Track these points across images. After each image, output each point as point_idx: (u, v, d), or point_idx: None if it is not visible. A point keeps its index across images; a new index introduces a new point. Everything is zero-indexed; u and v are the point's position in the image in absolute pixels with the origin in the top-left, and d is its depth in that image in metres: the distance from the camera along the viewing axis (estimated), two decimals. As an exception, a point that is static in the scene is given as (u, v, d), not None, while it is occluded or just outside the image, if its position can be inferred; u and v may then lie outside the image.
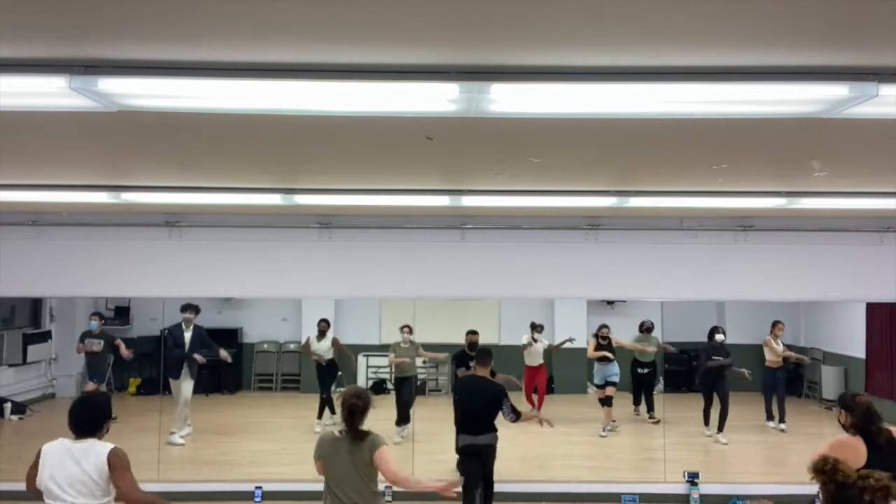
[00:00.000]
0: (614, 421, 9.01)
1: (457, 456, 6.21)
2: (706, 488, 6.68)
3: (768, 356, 9.12)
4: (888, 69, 2.28)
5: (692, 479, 6.78)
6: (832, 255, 6.68)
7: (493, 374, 5.92)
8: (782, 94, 2.47)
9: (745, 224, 6.69)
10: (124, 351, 8.68)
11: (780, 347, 9.14)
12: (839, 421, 4.19)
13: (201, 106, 2.63)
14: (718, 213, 6.40)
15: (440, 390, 11.55)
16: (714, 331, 8.84)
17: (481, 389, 5.70)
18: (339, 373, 9.26)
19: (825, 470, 2.48)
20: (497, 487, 6.23)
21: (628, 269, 6.71)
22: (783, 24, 1.94)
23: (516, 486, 6.33)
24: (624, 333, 9.64)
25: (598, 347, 9.18)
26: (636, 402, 9.67)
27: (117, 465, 3.27)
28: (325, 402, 8.94)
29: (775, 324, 9.22)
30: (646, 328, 9.53)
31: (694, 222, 6.71)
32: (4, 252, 6.56)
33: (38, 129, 3.22)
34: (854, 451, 3.78)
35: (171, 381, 8.31)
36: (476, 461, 5.72)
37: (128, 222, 6.59)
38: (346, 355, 9.32)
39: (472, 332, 8.06)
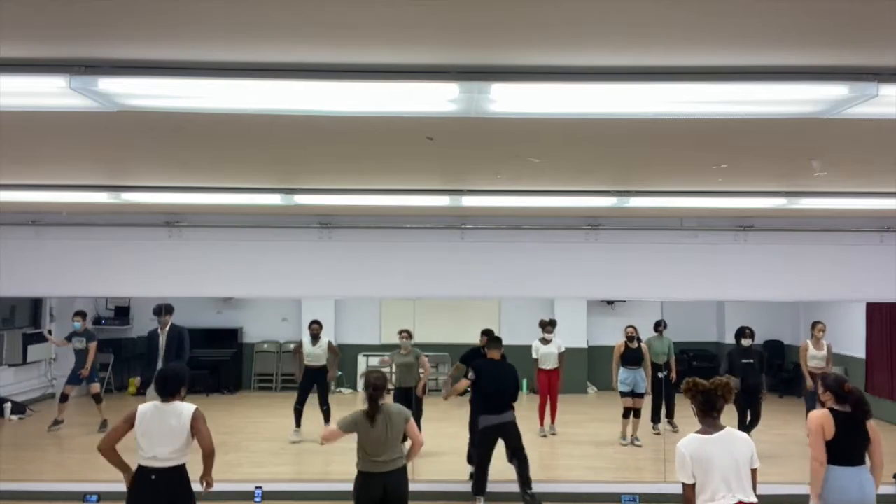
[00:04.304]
0: (638, 439, 8.57)
1: (466, 447, 6.32)
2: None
3: (808, 363, 8.04)
4: (888, 69, 2.28)
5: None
6: (832, 255, 6.68)
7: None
8: (782, 94, 2.47)
9: (745, 224, 6.69)
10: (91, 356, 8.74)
11: (823, 351, 8.03)
12: (819, 398, 4.66)
13: (201, 106, 2.63)
14: (718, 213, 6.40)
15: (440, 390, 11.55)
16: (741, 334, 8.08)
17: (503, 369, 6.22)
18: (338, 372, 9.06)
19: (690, 388, 3.79)
20: (497, 487, 6.26)
21: (628, 270, 6.70)
22: (783, 24, 1.94)
23: (517, 485, 6.33)
24: (623, 334, 9.60)
25: (627, 350, 8.65)
26: (658, 414, 8.95)
27: (198, 417, 4.26)
28: (299, 412, 8.53)
29: (814, 325, 8.15)
30: (659, 331, 9.07)
31: (694, 222, 6.71)
32: (4, 252, 6.57)
33: (38, 129, 3.22)
34: (830, 422, 4.46)
35: None
36: (494, 439, 6.10)
37: (128, 222, 6.59)
38: (336, 357, 8.98)
39: (487, 332, 7.67)
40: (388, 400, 4.77)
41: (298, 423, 8.54)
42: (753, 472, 3.72)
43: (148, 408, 4.27)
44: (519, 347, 9.69)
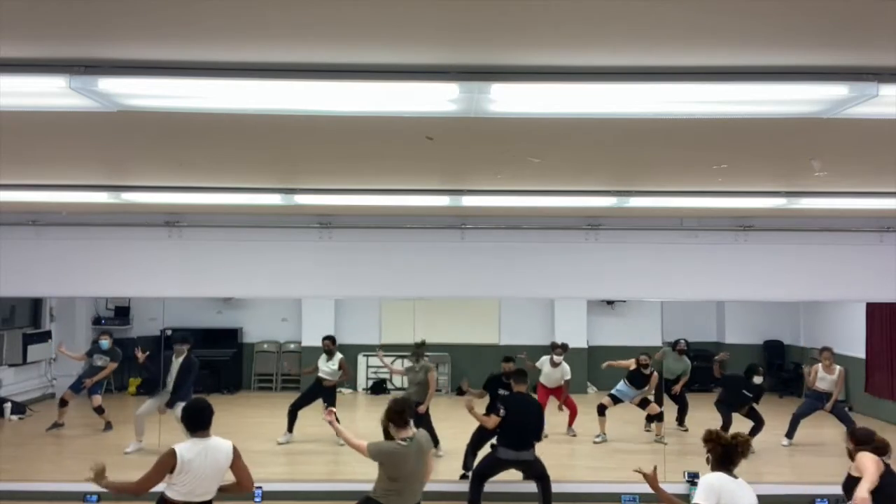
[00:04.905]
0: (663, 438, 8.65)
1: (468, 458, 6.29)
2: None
3: (817, 384, 8.39)
4: (888, 69, 2.28)
5: (692, 479, 6.78)
6: (832, 255, 6.68)
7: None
8: (782, 94, 2.47)
9: (745, 224, 6.69)
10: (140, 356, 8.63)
11: (833, 376, 8.29)
12: (848, 448, 4.55)
13: (201, 106, 2.63)
14: (718, 213, 6.40)
15: (440, 390, 11.56)
16: (754, 371, 8.27)
17: (530, 407, 6.16)
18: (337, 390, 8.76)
19: (712, 438, 3.73)
20: (497, 487, 6.26)
21: (628, 269, 6.70)
22: (783, 24, 1.94)
23: (516, 486, 6.33)
24: (623, 333, 9.58)
25: (637, 373, 8.65)
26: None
27: (239, 454, 4.13)
28: (293, 416, 8.49)
29: (822, 351, 8.48)
30: (679, 349, 9.11)
31: (694, 222, 6.71)
32: (4, 252, 6.57)
33: (38, 129, 3.22)
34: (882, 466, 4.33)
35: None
36: (504, 469, 6.05)
37: (128, 222, 6.59)
38: (346, 377, 8.87)
39: (508, 360, 7.66)
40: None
41: (291, 428, 8.50)
42: None
43: (190, 447, 4.00)
44: (518, 348, 9.70)
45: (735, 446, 3.69)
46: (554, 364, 8.92)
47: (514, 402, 6.15)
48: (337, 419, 5.01)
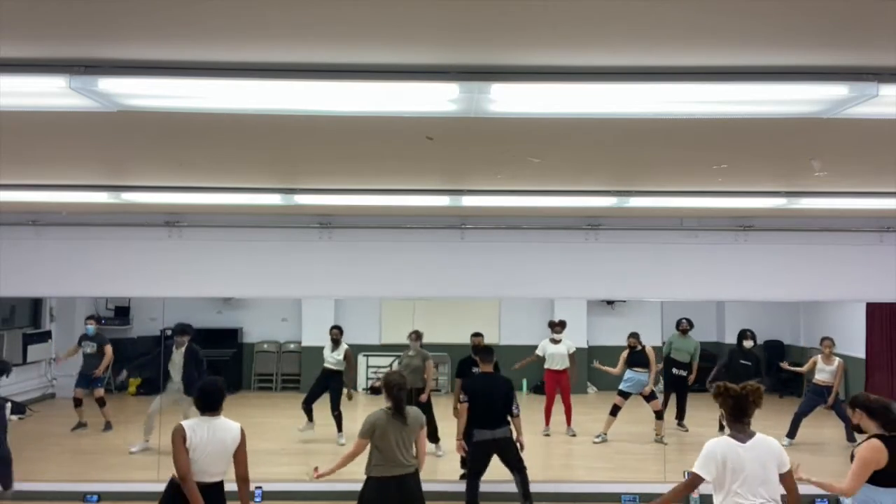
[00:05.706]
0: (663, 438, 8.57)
1: (458, 453, 6.29)
2: (706, 488, 6.67)
3: (816, 375, 8.46)
4: (888, 69, 2.28)
5: (692, 479, 6.77)
6: (832, 255, 6.68)
7: (496, 368, 6.27)
8: (782, 94, 2.47)
9: (745, 224, 6.69)
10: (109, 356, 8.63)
11: (833, 367, 8.34)
12: (853, 421, 4.30)
13: (201, 106, 2.63)
14: (718, 213, 6.40)
15: (440, 390, 11.56)
16: (743, 336, 8.34)
17: (495, 384, 6.03)
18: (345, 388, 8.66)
19: (721, 392, 3.64)
20: (496, 487, 6.26)
21: (628, 269, 6.70)
22: (783, 24, 1.94)
23: (514, 486, 6.32)
24: (623, 333, 9.54)
25: (632, 354, 8.60)
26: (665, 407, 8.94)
27: (244, 440, 4.22)
28: (308, 411, 8.50)
29: (822, 340, 8.49)
30: (682, 329, 9.01)
31: (694, 222, 6.71)
32: (4, 252, 6.57)
33: (38, 129, 3.22)
34: (884, 453, 4.02)
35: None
36: (489, 454, 6.02)
37: (128, 222, 6.60)
38: (349, 368, 8.82)
39: (477, 335, 7.81)
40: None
41: (310, 418, 8.49)
42: (788, 474, 3.60)
43: (195, 424, 4.11)
44: (518, 348, 9.70)
45: (745, 396, 3.57)
46: (555, 342, 8.90)
47: (478, 382, 6.08)
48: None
